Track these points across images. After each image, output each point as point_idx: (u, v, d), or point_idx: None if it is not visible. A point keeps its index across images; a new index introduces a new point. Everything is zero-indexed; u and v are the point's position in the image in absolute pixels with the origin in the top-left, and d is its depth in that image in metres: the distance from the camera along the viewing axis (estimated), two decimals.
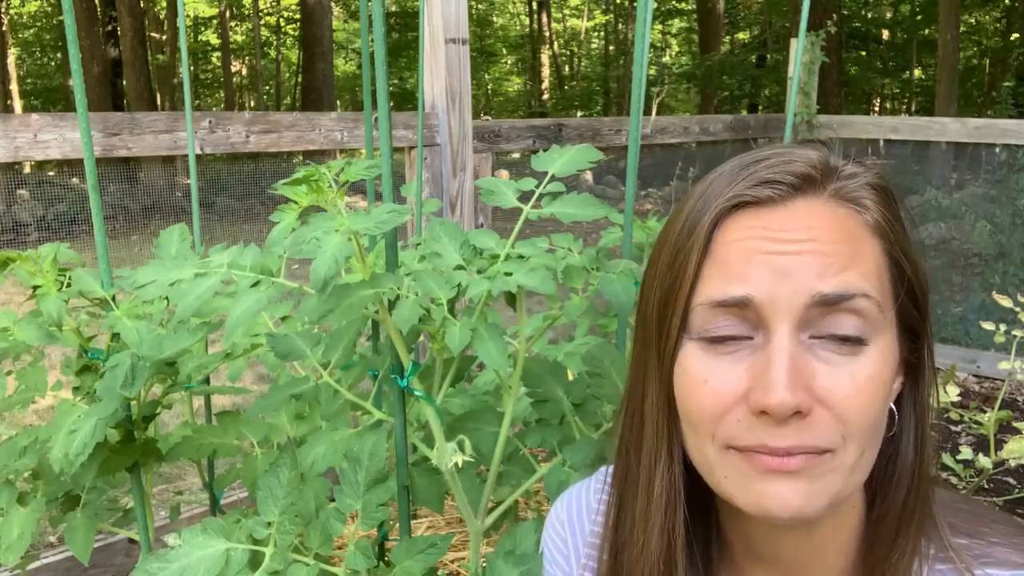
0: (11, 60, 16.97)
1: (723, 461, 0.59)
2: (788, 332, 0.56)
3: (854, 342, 0.56)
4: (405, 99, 19.81)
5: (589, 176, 10.43)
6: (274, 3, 26.21)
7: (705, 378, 0.59)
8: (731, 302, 0.58)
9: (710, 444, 0.59)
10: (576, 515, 0.81)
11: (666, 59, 25.70)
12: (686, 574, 0.66)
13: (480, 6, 25.75)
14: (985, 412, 2.78)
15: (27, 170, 9.66)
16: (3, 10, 16.54)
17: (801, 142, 0.66)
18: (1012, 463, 2.58)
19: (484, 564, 0.99)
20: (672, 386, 0.63)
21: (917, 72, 20.03)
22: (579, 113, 24.91)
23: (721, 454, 0.59)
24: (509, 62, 29.07)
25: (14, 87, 16.73)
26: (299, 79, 20.12)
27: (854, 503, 0.64)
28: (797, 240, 0.57)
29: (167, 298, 0.96)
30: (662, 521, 0.66)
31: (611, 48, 27.69)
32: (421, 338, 1.37)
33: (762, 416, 0.56)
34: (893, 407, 0.63)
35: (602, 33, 28.77)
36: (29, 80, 22.67)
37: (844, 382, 0.55)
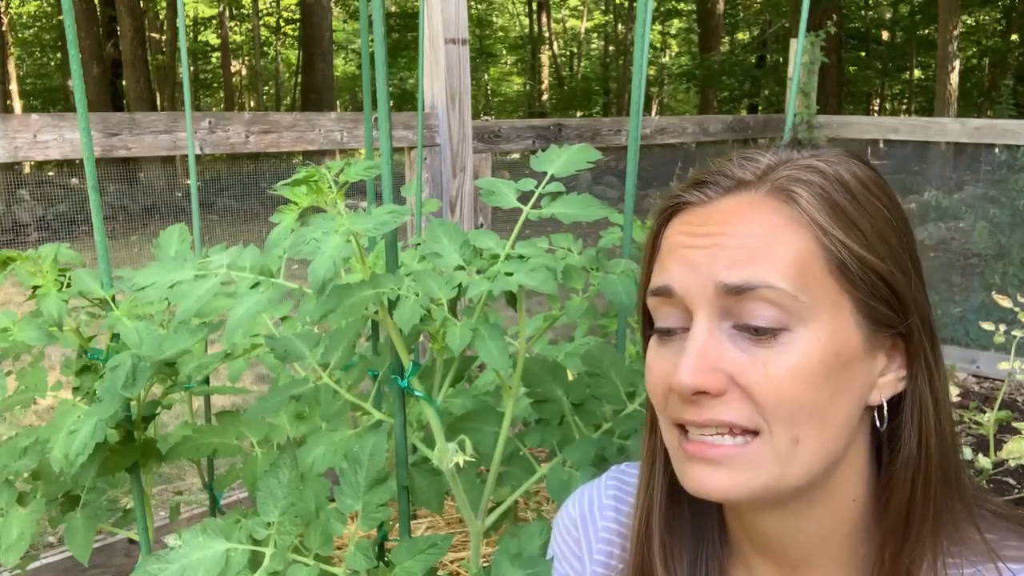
0: (11, 60, 16.95)
1: (672, 440, 0.65)
2: (703, 320, 0.61)
3: (767, 332, 0.59)
4: (405, 99, 19.80)
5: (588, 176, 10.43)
6: (274, 3, 26.20)
7: (651, 366, 0.66)
8: (657, 291, 0.64)
9: (666, 423, 0.65)
10: (588, 512, 0.82)
11: (665, 59, 25.70)
12: (664, 537, 0.71)
13: (480, 6, 25.74)
14: (985, 412, 2.78)
15: (27, 170, 9.65)
16: (3, 10, 16.52)
17: (772, 145, 0.67)
18: (1012, 463, 2.58)
19: (486, 565, 0.99)
20: None
21: (917, 72, 20.04)
22: (579, 113, 24.91)
23: (671, 432, 0.65)
24: (509, 62, 29.06)
25: (14, 87, 16.72)
26: (299, 79, 20.12)
27: (854, 496, 0.64)
28: (710, 234, 0.62)
29: (167, 298, 0.96)
30: (646, 482, 0.73)
31: (611, 48, 27.70)
32: (421, 338, 1.37)
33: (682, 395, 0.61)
34: (884, 401, 0.63)
35: (602, 33, 28.77)
36: (29, 80, 22.66)
37: (756, 370, 0.59)
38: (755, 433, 0.59)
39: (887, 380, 0.63)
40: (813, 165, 0.63)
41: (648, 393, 0.67)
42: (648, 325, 0.68)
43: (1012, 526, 0.63)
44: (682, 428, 0.63)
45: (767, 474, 0.60)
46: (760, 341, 0.59)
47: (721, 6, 18.29)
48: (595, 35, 29.40)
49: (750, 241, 0.60)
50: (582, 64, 29.07)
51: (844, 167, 0.63)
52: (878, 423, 0.64)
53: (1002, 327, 2.70)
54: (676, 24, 25.36)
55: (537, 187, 1.01)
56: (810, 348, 0.59)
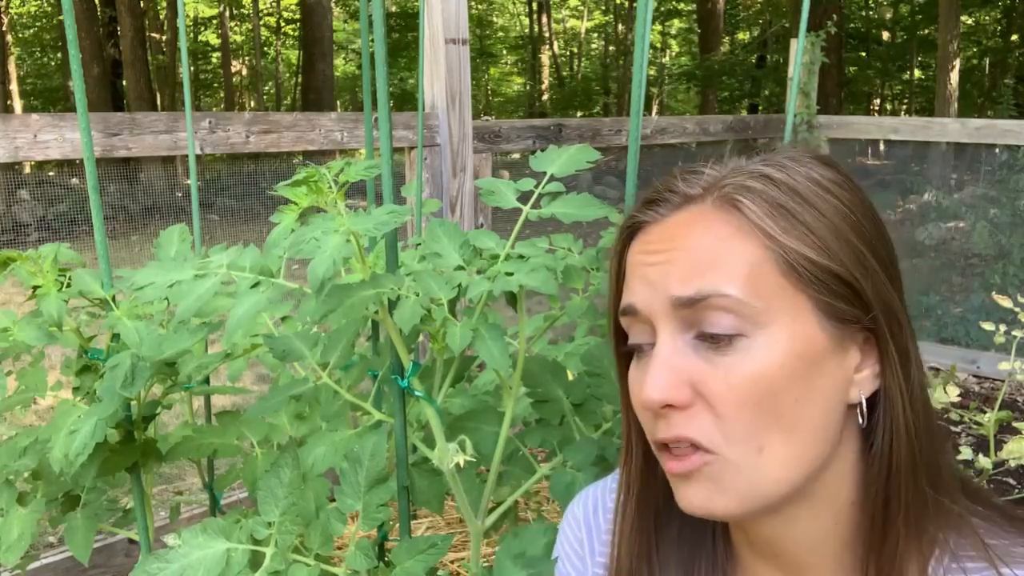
0: (11, 60, 16.94)
1: (660, 459, 0.65)
2: (666, 335, 0.62)
3: (725, 339, 0.59)
4: (405, 99, 19.81)
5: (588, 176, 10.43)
6: (274, 3, 26.20)
7: (631, 383, 0.67)
8: (624, 310, 0.66)
9: (652, 443, 0.66)
10: (592, 514, 0.83)
11: (665, 59, 25.72)
12: (650, 560, 0.72)
13: (480, 6, 25.74)
14: (985, 412, 2.78)
15: (27, 170, 9.66)
16: (3, 10, 16.52)
17: (722, 158, 0.67)
18: (1012, 463, 2.58)
19: (486, 565, 0.99)
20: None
21: (917, 72, 20.04)
22: (579, 113, 24.91)
23: (657, 451, 0.65)
24: (509, 62, 29.06)
25: (14, 87, 16.70)
26: (299, 79, 20.12)
27: (850, 495, 0.64)
28: (660, 251, 0.63)
29: (167, 298, 0.96)
30: (622, 507, 0.74)
31: (611, 48, 27.70)
32: (421, 338, 1.37)
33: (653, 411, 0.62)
34: (863, 398, 0.62)
35: (602, 34, 28.77)
36: (29, 80, 22.65)
37: (717, 377, 0.59)
38: (715, 453, 0.60)
39: (864, 376, 0.62)
40: (760, 171, 0.63)
41: (635, 410, 0.67)
42: (621, 343, 0.69)
43: (1019, 528, 0.63)
44: (664, 446, 0.63)
45: (739, 486, 0.60)
46: (719, 349, 0.59)
47: (721, 6, 18.29)
48: (595, 35, 29.40)
49: (699, 254, 0.61)
50: (582, 64, 29.06)
51: (795, 169, 0.62)
52: (860, 420, 0.63)
53: (1002, 327, 2.70)
54: (676, 24, 25.36)
55: (537, 187, 1.01)
56: (771, 353, 0.59)
